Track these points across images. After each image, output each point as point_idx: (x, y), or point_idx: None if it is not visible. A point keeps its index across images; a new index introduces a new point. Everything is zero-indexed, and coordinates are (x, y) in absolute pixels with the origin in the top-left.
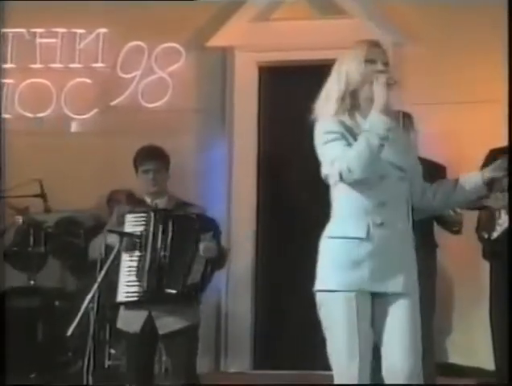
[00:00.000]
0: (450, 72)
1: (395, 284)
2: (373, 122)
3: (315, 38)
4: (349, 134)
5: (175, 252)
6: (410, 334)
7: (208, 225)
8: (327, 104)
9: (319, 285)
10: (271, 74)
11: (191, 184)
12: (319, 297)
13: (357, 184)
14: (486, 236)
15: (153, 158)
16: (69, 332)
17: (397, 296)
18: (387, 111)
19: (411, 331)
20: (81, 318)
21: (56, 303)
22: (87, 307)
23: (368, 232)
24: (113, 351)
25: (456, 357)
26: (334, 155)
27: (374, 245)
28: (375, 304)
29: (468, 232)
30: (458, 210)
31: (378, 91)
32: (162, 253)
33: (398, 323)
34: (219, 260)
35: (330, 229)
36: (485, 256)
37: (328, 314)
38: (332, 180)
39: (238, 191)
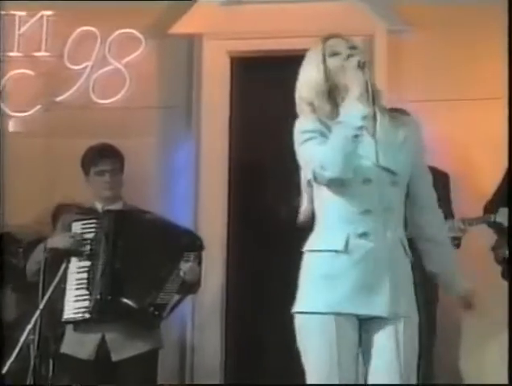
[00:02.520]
0: (449, 69)
1: (381, 306)
2: (347, 111)
3: (296, 24)
4: (329, 132)
5: (139, 262)
6: (400, 367)
7: (195, 243)
8: (300, 105)
9: (296, 306)
10: (245, 65)
11: (151, 191)
12: (296, 320)
13: (338, 189)
14: (502, 255)
15: (108, 156)
16: (4, 369)
17: (384, 320)
18: (363, 97)
19: (401, 364)
20: (20, 352)
21: None
22: (27, 338)
23: (346, 244)
24: None
25: None
26: (309, 155)
27: (354, 259)
28: (362, 329)
29: (479, 249)
30: (461, 224)
31: (351, 77)
32: (117, 262)
33: (384, 354)
34: (196, 285)
35: (309, 242)
36: (504, 276)
37: (303, 339)
38: (315, 186)
39: (206, 199)
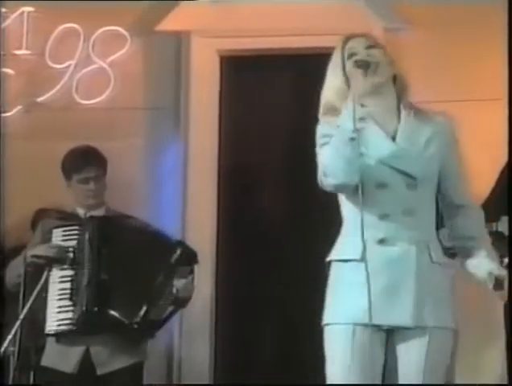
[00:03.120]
0: (448, 69)
1: (402, 316)
2: (344, 114)
3: (289, 22)
4: None
5: (127, 273)
6: (423, 380)
7: (189, 257)
8: (322, 108)
9: (322, 317)
10: (235, 64)
11: (137, 196)
12: (324, 330)
13: (352, 194)
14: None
15: (92, 162)
16: None
17: (409, 331)
18: (361, 98)
19: (424, 377)
20: None
21: None
22: (6, 350)
23: (363, 252)
24: None
25: None
26: (319, 161)
27: (373, 267)
28: (389, 340)
29: None
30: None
31: (350, 76)
32: (103, 272)
33: (405, 367)
34: (188, 299)
35: (333, 250)
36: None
37: (325, 350)
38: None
39: (195, 205)
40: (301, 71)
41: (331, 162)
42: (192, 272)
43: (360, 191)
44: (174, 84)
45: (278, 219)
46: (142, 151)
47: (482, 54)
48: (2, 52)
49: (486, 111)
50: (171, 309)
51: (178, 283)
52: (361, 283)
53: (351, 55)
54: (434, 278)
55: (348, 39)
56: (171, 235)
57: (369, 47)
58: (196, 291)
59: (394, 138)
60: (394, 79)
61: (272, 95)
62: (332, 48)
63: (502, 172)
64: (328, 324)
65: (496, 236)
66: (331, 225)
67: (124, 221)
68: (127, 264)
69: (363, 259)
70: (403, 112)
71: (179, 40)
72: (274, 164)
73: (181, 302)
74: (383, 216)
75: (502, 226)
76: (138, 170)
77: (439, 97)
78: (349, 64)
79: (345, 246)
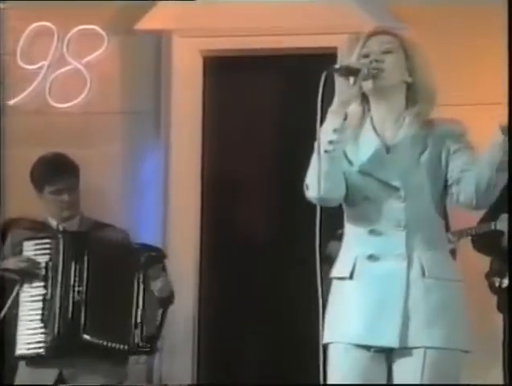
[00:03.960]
0: (449, 73)
1: (390, 335)
2: (324, 125)
3: (276, 21)
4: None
5: (103, 290)
6: None
7: (155, 255)
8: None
9: None
10: (219, 65)
11: (114, 206)
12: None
13: (345, 208)
14: (497, 283)
15: (65, 172)
16: None
17: (402, 351)
18: (340, 108)
19: None
20: None
21: None
22: None
23: (352, 270)
24: None
25: None
26: None
27: (362, 285)
28: (387, 361)
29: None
30: (449, 236)
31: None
32: (77, 292)
33: None
34: (170, 298)
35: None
36: (500, 308)
37: (328, 367)
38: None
39: (176, 216)
40: (289, 72)
41: (310, 174)
42: (164, 269)
43: (344, 206)
44: (154, 86)
45: (265, 229)
46: (121, 158)
47: (482, 56)
48: None
49: (485, 115)
50: (160, 313)
51: (155, 285)
52: (353, 302)
53: (365, 56)
54: (428, 295)
55: (369, 36)
56: (133, 239)
57: (386, 52)
58: (179, 303)
59: (388, 147)
60: (409, 85)
61: (258, 97)
62: (320, 48)
63: None
64: (326, 343)
65: (495, 234)
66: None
67: (98, 234)
68: (103, 282)
69: (351, 277)
70: (407, 120)
71: (160, 40)
72: (260, 170)
73: (166, 302)
74: (372, 231)
75: (501, 225)
76: (116, 179)
77: (439, 101)
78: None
79: (340, 263)
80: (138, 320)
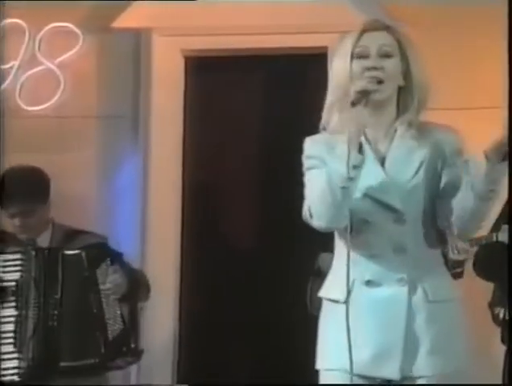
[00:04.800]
0: (448, 77)
1: (390, 367)
2: (340, 155)
3: (262, 19)
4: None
5: (75, 308)
6: None
7: (96, 254)
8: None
9: None
10: (201, 66)
11: (90, 215)
12: None
13: (340, 230)
14: (502, 314)
15: (18, 196)
16: None
17: (408, 381)
18: (354, 143)
19: None
20: None
21: None
22: None
23: (348, 294)
24: None
25: None
26: (306, 190)
27: (360, 311)
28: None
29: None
30: (460, 246)
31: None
32: (51, 316)
33: None
34: (138, 290)
35: (323, 285)
36: (504, 340)
37: None
38: None
39: (156, 225)
40: (275, 72)
41: (316, 204)
42: (107, 264)
43: (348, 231)
44: (132, 88)
45: (248, 234)
46: (97, 164)
47: (482, 59)
48: None
49: (484, 119)
50: (126, 313)
51: (105, 286)
52: (350, 328)
53: (360, 56)
54: (433, 320)
55: (363, 31)
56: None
57: (385, 55)
58: (158, 315)
59: (383, 162)
60: (399, 90)
61: (242, 99)
62: (309, 48)
63: None
64: (320, 370)
65: (497, 246)
66: (305, 241)
67: (72, 246)
68: (73, 300)
69: (347, 301)
70: (399, 131)
71: (139, 39)
72: (243, 175)
73: (128, 297)
74: (371, 256)
75: (503, 236)
76: (92, 185)
77: (433, 105)
78: (356, 65)
79: (334, 283)
80: (104, 328)
